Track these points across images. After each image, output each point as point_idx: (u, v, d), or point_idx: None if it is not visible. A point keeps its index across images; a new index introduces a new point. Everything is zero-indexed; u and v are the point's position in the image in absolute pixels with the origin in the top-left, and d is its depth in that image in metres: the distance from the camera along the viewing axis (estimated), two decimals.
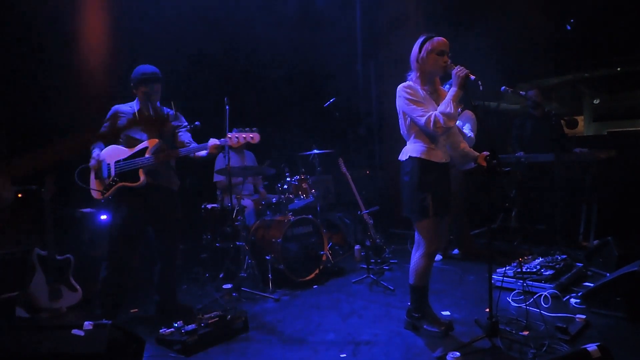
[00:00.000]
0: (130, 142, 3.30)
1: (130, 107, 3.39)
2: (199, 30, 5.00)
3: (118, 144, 3.32)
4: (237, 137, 3.30)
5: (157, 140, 3.25)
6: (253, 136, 3.33)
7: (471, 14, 5.41)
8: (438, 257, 4.74)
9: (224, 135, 3.32)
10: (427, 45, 2.72)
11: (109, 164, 3.25)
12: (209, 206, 4.50)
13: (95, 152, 3.28)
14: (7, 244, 3.73)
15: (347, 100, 5.98)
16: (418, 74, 2.81)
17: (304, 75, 6.06)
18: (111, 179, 3.23)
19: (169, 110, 3.50)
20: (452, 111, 2.61)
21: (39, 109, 4.13)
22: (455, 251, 4.86)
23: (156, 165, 3.24)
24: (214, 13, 5.18)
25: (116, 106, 3.40)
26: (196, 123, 3.99)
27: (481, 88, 2.53)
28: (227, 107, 3.78)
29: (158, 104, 3.44)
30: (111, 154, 3.28)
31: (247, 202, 4.74)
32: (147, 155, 3.21)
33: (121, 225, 3.21)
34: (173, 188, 3.44)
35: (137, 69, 3.34)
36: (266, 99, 5.96)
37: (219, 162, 4.96)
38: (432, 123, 2.62)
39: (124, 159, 3.24)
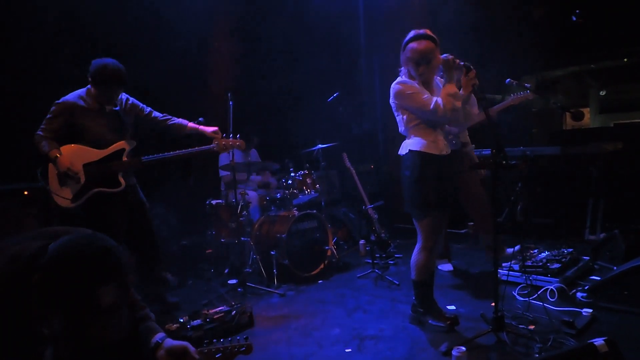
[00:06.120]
0: (98, 142, 2.98)
1: (81, 99, 2.99)
2: (200, 26, 4.98)
3: (78, 144, 2.96)
4: (224, 144, 3.34)
5: (124, 143, 3.06)
6: (239, 143, 3.42)
7: (474, 6, 5.36)
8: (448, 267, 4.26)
9: (226, 131, 3.33)
10: (407, 51, 2.70)
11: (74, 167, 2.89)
12: (214, 202, 4.51)
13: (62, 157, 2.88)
14: None
15: (350, 95, 5.95)
16: (406, 71, 2.78)
17: (307, 69, 6.03)
18: (81, 184, 2.91)
19: (124, 96, 3.19)
20: (455, 90, 2.60)
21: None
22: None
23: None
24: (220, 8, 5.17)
25: (66, 100, 2.96)
26: (200, 119, 3.98)
27: (472, 68, 2.57)
28: (230, 103, 3.78)
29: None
30: (75, 155, 2.91)
31: (252, 195, 4.73)
32: (125, 159, 3.00)
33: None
34: (135, 185, 3.27)
35: (104, 65, 2.90)
36: (270, 94, 5.94)
37: (223, 158, 4.97)
38: (441, 105, 2.59)
39: (97, 162, 2.95)
